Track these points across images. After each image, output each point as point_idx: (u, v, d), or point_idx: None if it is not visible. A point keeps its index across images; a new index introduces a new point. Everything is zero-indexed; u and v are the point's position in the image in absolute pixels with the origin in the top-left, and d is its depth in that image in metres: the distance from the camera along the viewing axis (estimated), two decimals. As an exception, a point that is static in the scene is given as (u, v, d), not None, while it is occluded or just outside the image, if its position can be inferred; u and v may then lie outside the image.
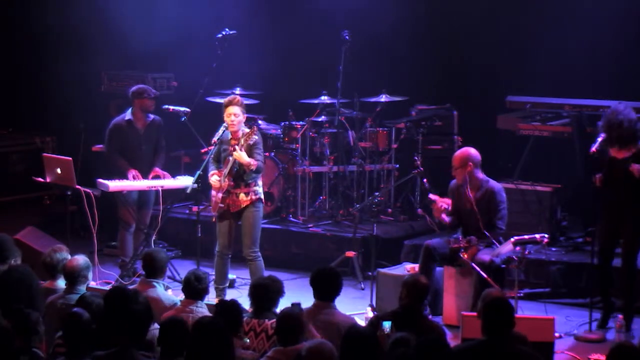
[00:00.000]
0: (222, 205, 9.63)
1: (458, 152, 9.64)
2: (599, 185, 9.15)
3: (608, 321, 9.27)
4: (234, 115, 9.51)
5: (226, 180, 9.54)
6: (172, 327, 6.32)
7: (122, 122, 10.73)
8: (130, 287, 8.42)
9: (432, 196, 9.68)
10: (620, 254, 9.26)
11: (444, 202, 9.51)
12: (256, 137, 9.51)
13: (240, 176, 9.53)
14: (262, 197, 9.73)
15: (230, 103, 9.56)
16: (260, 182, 9.70)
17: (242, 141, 9.44)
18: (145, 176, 10.60)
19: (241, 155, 9.38)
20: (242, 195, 9.57)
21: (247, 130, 9.62)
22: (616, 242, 9.28)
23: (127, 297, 6.90)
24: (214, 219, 9.88)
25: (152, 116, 10.78)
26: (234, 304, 7.02)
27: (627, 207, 9.10)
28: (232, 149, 9.49)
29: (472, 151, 9.54)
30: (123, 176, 10.53)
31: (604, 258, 9.29)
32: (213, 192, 9.73)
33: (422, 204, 11.88)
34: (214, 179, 9.62)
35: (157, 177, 10.61)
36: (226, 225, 9.67)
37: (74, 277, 7.68)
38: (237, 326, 6.88)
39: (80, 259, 7.81)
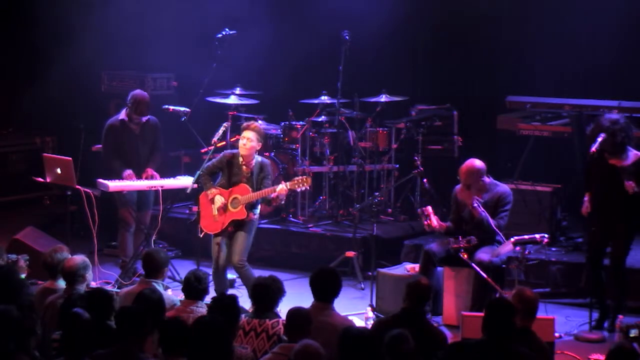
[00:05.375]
0: (222, 226, 9.61)
1: (468, 168, 9.45)
2: (585, 215, 9.27)
3: (604, 322, 9.28)
4: (248, 140, 9.49)
5: (240, 208, 9.49)
6: (172, 327, 6.34)
7: (116, 122, 10.72)
8: (130, 287, 8.43)
9: (427, 209, 9.57)
10: (610, 256, 9.26)
11: (435, 221, 9.43)
12: (269, 174, 9.56)
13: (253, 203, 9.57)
14: (258, 215, 9.76)
15: (247, 127, 9.57)
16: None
17: (288, 184, 9.42)
18: (140, 177, 10.59)
19: (285, 193, 9.44)
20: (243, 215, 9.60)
21: (266, 160, 9.65)
22: (607, 244, 9.27)
23: (105, 299, 6.94)
24: (201, 235, 9.80)
25: (147, 116, 10.76)
26: (231, 299, 7.03)
27: (619, 212, 9.10)
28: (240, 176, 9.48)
29: (479, 164, 9.44)
30: (118, 177, 10.53)
31: (595, 260, 9.31)
32: (210, 211, 9.67)
33: (422, 205, 11.86)
34: (218, 199, 9.58)
35: (147, 177, 10.59)
36: (222, 244, 9.63)
37: (72, 277, 7.69)
38: (235, 322, 6.89)
39: (78, 259, 7.81)
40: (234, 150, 9.69)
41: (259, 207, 9.76)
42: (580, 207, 9.49)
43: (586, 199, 9.34)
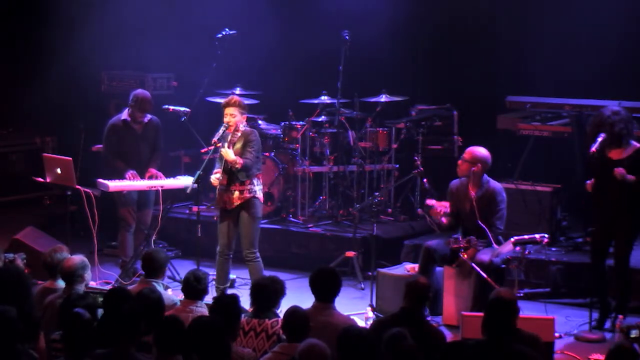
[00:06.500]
0: (220, 203, 9.64)
1: (474, 149, 9.54)
2: (590, 191, 9.20)
3: (605, 322, 9.27)
4: (231, 116, 9.52)
5: (223, 177, 9.55)
6: (168, 326, 6.33)
7: (119, 122, 10.71)
8: (130, 287, 8.43)
9: (429, 201, 9.66)
10: (613, 254, 9.26)
11: (442, 206, 9.49)
12: (239, 134, 9.50)
13: (233, 174, 9.53)
14: (260, 195, 9.70)
15: (227, 104, 9.58)
16: (256, 181, 9.67)
17: (228, 138, 9.46)
18: (142, 176, 10.59)
19: (227, 153, 9.43)
20: (236, 193, 9.56)
21: (248, 129, 9.64)
22: (610, 242, 9.28)
23: (124, 298, 6.94)
24: (216, 218, 9.88)
25: (149, 116, 10.76)
26: (233, 299, 7.02)
27: (621, 207, 9.10)
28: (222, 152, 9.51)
29: (487, 155, 9.49)
30: (120, 177, 10.52)
31: (597, 258, 9.31)
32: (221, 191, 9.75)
33: (422, 204, 11.87)
34: (214, 177, 9.62)
35: (151, 177, 10.60)
36: (225, 225, 9.66)
37: (71, 277, 7.69)
38: (235, 321, 6.88)
39: (76, 259, 7.81)
40: (219, 131, 9.65)
41: (260, 186, 9.73)
42: (580, 207, 9.50)
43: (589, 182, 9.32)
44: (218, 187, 9.62)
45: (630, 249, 9.26)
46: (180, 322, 6.36)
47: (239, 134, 9.53)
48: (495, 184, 9.55)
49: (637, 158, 9.05)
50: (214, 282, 9.68)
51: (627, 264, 9.25)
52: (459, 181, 9.61)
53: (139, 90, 10.82)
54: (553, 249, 10.60)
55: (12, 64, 14.44)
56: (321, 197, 12.16)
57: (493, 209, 9.41)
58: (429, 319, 8.56)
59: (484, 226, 9.28)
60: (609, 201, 9.15)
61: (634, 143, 9.14)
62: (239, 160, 9.41)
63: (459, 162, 9.55)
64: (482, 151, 9.53)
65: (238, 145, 9.52)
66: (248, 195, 9.58)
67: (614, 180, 9.02)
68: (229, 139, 9.52)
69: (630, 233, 9.23)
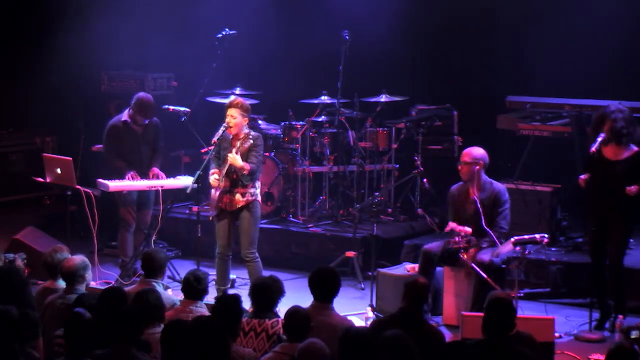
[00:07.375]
0: (219, 204, 9.65)
1: (470, 149, 9.56)
2: (584, 186, 9.19)
3: (605, 322, 9.27)
4: (232, 117, 9.53)
5: (224, 180, 9.56)
6: (174, 329, 6.33)
7: (119, 123, 10.71)
8: (130, 287, 8.43)
9: (451, 225, 9.52)
10: (608, 253, 9.26)
11: (463, 230, 9.39)
12: (252, 141, 9.52)
13: (236, 177, 9.54)
14: (259, 198, 9.73)
15: (230, 105, 9.60)
16: (257, 184, 9.70)
17: (238, 144, 9.48)
18: (144, 177, 10.60)
19: (235, 159, 9.44)
20: (238, 196, 9.58)
21: (255, 134, 9.64)
22: (606, 241, 9.27)
23: (119, 297, 6.94)
24: (211, 218, 9.88)
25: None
26: (235, 299, 7.02)
27: (617, 208, 9.10)
28: (229, 150, 9.52)
29: (484, 153, 9.51)
30: (121, 177, 10.52)
31: (595, 258, 9.31)
32: (212, 191, 9.75)
33: (422, 204, 11.88)
34: (213, 177, 9.63)
35: (153, 177, 10.60)
36: (224, 226, 9.68)
37: (72, 277, 7.69)
38: (237, 321, 6.88)
39: (77, 259, 7.81)
40: (219, 131, 9.65)
41: (259, 188, 9.75)
42: (580, 207, 9.48)
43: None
44: (217, 188, 9.62)
45: (625, 249, 9.27)
46: (185, 326, 6.34)
47: (252, 141, 9.53)
48: (498, 185, 9.55)
49: (637, 160, 9.05)
50: (214, 283, 9.70)
51: (621, 264, 9.26)
52: (459, 185, 9.61)
53: (142, 94, 10.79)
54: (553, 249, 10.60)
55: (12, 64, 14.43)
56: (321, 197, 12.16)
57: (497, 210, 9.41)
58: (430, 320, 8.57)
59: (488, 229, 9.28)
60: (606, 201, 9.16)
61: (634, 147, 9.14)
62: (247, 167, 9.44)
63: (459, 167, 9.53)
64: (479, 150, 9.54)
65: (244, 147, 9.53)
66: (251, 198, 9.60)
67: (612, 182, 9.03)
68: (238, 146, 9.51)
69: (626, 234, 9.24)
